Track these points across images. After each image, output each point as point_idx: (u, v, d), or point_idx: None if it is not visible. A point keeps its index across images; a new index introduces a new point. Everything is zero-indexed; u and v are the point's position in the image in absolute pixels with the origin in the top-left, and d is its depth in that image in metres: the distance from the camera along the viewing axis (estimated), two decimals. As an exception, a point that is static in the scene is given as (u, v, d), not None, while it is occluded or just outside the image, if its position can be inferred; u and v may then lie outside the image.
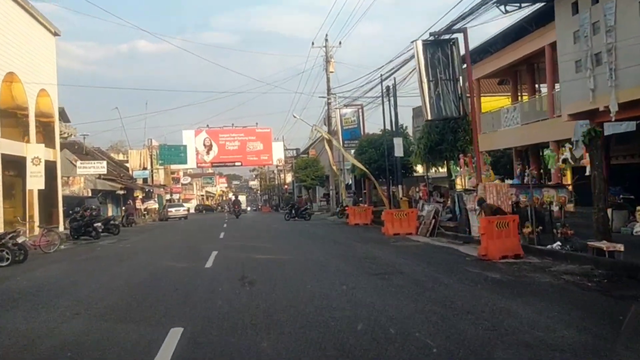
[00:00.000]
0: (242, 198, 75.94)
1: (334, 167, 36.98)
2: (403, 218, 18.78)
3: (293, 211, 33.85)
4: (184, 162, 57.74)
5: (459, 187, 22.18)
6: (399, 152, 23.95)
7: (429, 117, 15.72)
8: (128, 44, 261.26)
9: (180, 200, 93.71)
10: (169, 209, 45.84)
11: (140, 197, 47.70)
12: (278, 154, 71.24)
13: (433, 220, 17.90)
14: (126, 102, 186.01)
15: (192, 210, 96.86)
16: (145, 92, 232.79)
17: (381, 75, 25.01)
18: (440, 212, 18.07)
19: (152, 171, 51.67)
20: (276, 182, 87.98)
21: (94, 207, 25.07)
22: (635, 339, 5.11)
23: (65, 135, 57.04)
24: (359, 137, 28.07)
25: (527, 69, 24.11)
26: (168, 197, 73.62)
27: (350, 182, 39.49)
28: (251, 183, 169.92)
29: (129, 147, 55.17)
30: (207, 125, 72.11)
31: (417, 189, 22.49)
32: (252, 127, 73.39)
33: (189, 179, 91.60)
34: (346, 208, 27.57)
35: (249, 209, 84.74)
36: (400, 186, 24.10)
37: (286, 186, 77.01)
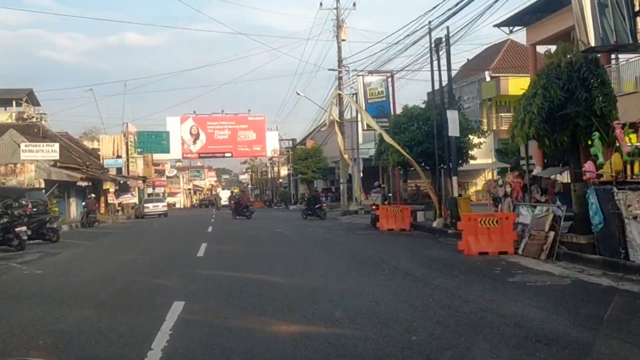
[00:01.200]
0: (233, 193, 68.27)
1: (346, 156, 29.56)
2: (492, 227, 11.39)
3: (309, 208, 27.61)
4: (166, 150, 50.10)
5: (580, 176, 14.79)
6: (454, 130, 16.63)
7: (593, 43, 8.46)
8: (117, 37, 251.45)
9: (165, 195, 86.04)
10: (145, 205, 38.21)
11: (112, 190, 40.02)
12: (272, 144, 63.68)
13: (551, 234, 10.56)
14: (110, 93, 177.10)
15: (179, 205, 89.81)
16: (131, 82, 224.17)
17: (429, 22, 17.62)
18: (560, 218, 10.72)
19: (127, 160, 43.98)
20: (269, 176, 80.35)
21: (25, 202, 17.36)
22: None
23: (34, 119, 49.44)
24: (387, 114, 20.74)
25: None
26: (150, 190, 65.98)
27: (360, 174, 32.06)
28: (242, 177, 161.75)
29: (104, 132, 47.45)
30: (194, 112, 64.37)
31: (499, 181, 15.10)
32: (244, 115, 65.66)
33: (175, 172, 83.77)
34: (374, 208, 20.10)
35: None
36: (454, 178, 16.80)
37: (280, 180, 69.46)
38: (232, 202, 36.95)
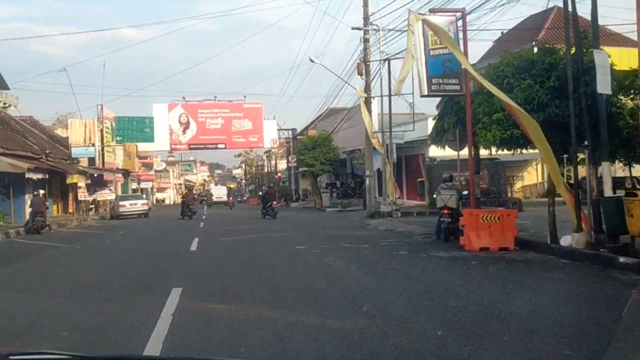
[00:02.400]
0: (223, 189, 61.16)
1: (374, 141, 22.45)
2: None
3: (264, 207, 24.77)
4: (150, 139, 42.67)
5: None
6: (604, 84, 9.62)
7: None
8: (111, 32, 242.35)
9: (154, 190, 78.42)
10: (121, 203, 30.83)
11: (83, 185, 32.63)
12: (270, 134, 56.37)
13: None
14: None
15: (169, 202, 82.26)
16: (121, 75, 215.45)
17: None
18: None
19: (102, 149, 36.52)
20: (266, 170, 73.05)
21: None
22: None
23: (4, 104, 41.95)
24: (458, 72, 13.53)
25: None
26: (135, 185, 58.54)
27: (380, 167, 24.98)
28: (235, 172, 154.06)
29: (79, 116, 39.87)
30: (184, 98, 56.88)
31: None
32: (239, 102, 58.18)
33: (164, 165, 76.24)
34: (446, 212, 12.82)
35: (231, 199, 69.96)
36: (605, 166, 9.74)
37: (279, 174, 62.19)
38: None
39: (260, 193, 55.05)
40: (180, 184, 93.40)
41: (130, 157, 45.07)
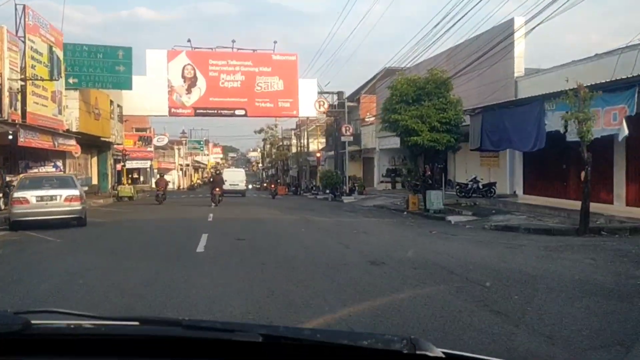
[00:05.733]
0: (239, 173, 42.94)
1: None
2: None
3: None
4: (125, 85, 25.36)
5: None
6: None
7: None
8: (128, 11, 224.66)
9: (153, 171, 60.68)
10: (20, 196, 13.07)
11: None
12: (307, 99, 38.70)
13: None
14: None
15: (172, 186, 63.63)
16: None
17: None
18: None
19: (23, 89, 18.85)
20: (295, 150, 55.22)
21: None
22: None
23: None
24: None
25: None
26: (133, 166, 40.63)
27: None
28: (251, 155, 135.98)
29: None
30: (190, 43, 39.36)
31: None
32: (266, 51, 40.38)
33: (166, 140, 58.62)
34: None
35: (250, 187, 52.25)
36: None
37: (318, 154, 44.19)
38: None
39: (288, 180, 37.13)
40: (187, 165, 75.82)
41: (99, 117, 27.31)
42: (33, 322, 1.22)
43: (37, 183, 13.60)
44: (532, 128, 15.98)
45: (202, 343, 1.20)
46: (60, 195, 13.11)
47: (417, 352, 1.12)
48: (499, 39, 19.40)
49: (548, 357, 3.90)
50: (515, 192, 20.84)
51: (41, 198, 12.92)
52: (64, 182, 13.78)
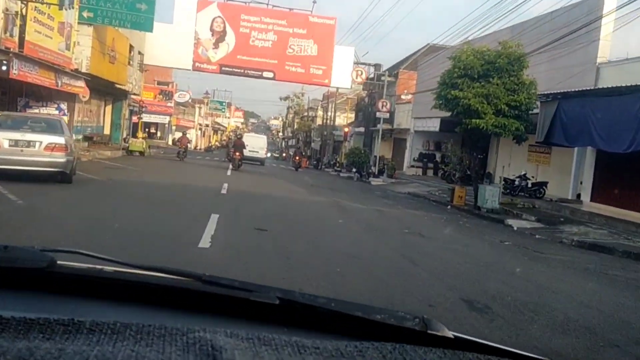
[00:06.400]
0: (261, 140, 39.65)
1: None
2: None
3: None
4: (146, 27, 22.33)
5: None
6: None
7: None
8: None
9: (171, 127, 57.99)
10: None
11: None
12: (342, 68, 35.43)
13: None
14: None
15: (190, 146, 60.62)
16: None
17: None
18: None
19: (23, 13, 16.03)
20: (320, 122, 52.03)
21: None
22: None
23: None
24: None
25: None
26: (151, 120, 37.82)
27: None
28: (272, 122, 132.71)
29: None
30: (222, -6, 36.23)
31: None
32: (303, 12, 37.17)
33: (188, 97, 55.73)
34: None
35: (268, 155, 49.22)
36: None
37: (346, 129, 41.01)
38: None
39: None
40: (207, 126, 73.04)
41: (114, 60, 24.42)
42: (58, 262, 1.19)
43: (18, 124, 10.81)
44: (630, 125, 12.77)
45: (219, 298, 1.19)
46: (40, 142, 10.28)
47: (429, 332, 1.10)
48: (582, 18, 16.08)
49: None
50: (579, 197, 17.68)
51: (15, 143, 10.11)
52: (50, 127, 10.96)
